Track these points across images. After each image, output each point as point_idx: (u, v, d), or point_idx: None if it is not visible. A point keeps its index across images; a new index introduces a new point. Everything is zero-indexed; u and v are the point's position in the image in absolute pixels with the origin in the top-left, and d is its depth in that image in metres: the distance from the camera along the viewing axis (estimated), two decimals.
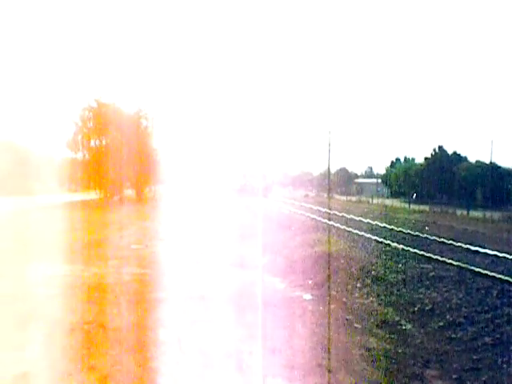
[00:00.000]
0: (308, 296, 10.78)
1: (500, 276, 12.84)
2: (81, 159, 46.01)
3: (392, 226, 26.80)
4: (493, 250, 17.81)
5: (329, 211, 36.67)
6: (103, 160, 42.99)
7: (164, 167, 43.64)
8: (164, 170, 43.14)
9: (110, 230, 20.91)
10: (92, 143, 46.02)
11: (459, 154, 70.41)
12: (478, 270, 13.64)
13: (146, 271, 12.47)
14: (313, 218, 29.84)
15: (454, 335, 8.49)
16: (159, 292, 10.33)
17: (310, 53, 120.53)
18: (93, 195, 45.83)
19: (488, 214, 41.96)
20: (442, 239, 21.06)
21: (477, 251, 17.87)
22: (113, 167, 41.40)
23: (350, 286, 11.57)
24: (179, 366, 6.65)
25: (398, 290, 11.32)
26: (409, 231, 24.34)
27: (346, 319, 9.10)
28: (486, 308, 9.93)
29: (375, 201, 66.99)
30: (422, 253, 16.59)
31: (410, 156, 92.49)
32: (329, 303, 10.15)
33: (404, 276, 12.76)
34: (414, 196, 68.95)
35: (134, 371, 6.36)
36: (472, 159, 69.50)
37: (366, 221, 30.17)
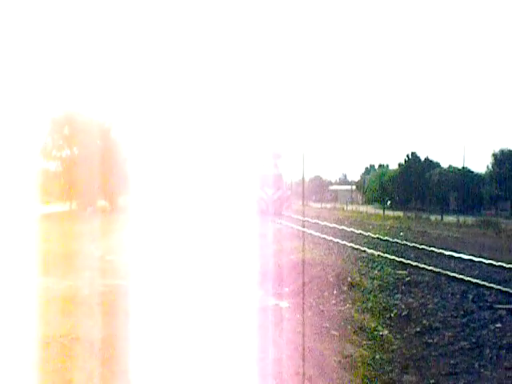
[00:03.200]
0: (285, 304, 10.75)
1: (475, 280, 12.93)
2: (53, 170, 45.52)
3: (367, 233, 26.91)
4: (467, 255, 17.96)
5: (302, 218, 36.74)
6: (75, 170, 42.56)
7: (141, 177, 43.20)
8: (140, 181, 42.69)
9: (83, 241, 20.69)
10: (64, 153, 45.58)
11: (432, 160, 71.00)
12: (453, 274, 13.74)
13: (120, 282, 12.34)
14: (287, 226, 29.88)
15: (430, 340, 8.50)
16: (135, 303, 10.23)
17: (278, 59, 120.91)
18: (66, 206, 45.37)
19: (461, 218, 42.37)
20: (416, 245, 21.19)
21: (451, 256, 18.00)
22: (85, 178, 40.98)
23: (326, 293, 11.56)
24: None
25: (374, 297, 11.33)
26: (383, 237, 24.46)
27: (323, 326, 9.08)
28: (462, 312, 9.98)
29: (350, 207, 67.33)
30: (397, 259, 16.67)
31: (384, 162, 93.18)
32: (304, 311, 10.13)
33: (380, 282, 12.79)
34: (389, 202, 69.42)
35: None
36: (445, 165, 70.14)
37: (340, 227, 30.28)
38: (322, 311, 10.15)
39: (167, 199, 40.38)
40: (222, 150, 45.57)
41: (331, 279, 12.81)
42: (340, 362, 7.40)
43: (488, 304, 10.71)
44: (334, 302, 10.96)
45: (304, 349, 7.83)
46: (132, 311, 9.56)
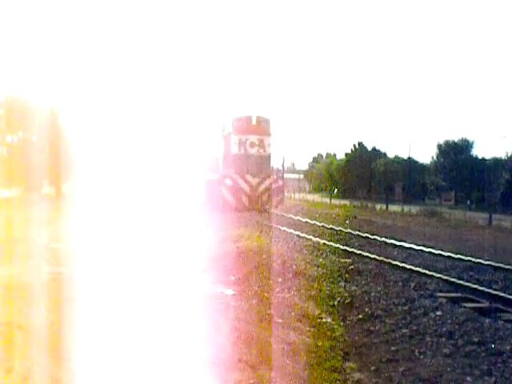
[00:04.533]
0: (230, 291, 10.75)
1: (417, 269, 13.18)
2: None
3: (313, 221, 27.14)
4: (410, 243, 18.29)
5: None
6: (21, 156, 41.64)
7: (88, 164, 42.28)
8: (87, 167, 41.79)
9: (27, 228, 20.25)
10: (9, 139, 44.55)
11: (378, 150, 71.96)
12: (395, 263, 13.97)
13: (65, 270, 12.14)
14: (236, 214, 29.83)
15: (372, 328, 8.62)
16: (78, 290, 10.08)
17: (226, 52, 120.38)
18: (11, 192, 44.32)
19: (406, 208, 43.10)
20: (360, 233, 21.48)
21: (395, 244, 18.30)
22: (31, 163, 40.07)
23: (271, 281, 11.60)
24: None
25: (318, 284, 11.42)
26: (329, 226, 24.70)
27: (267, 314, 9.10)
28: (404, 300, 10.14)
29: (297, 196, 67.72)
30: (341, 247, 16.86)
31: (331, 152, 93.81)
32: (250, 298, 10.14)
33: (324, 270, 12.90)
34: (336, 191, 70.09)
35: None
36: (391, 155, 71.15)
37: (287, 216, 30.44)
38: (267, 299, 10.18)
39: (115, 187, 39.54)
40: (174, 129, 40.96)
41: (276, 267, 12.85)
42: (283, 349, 7.43)
43: (429, 292, 10.91)
44: (278, 289, 11.00)
45: (248, 336, 7.84)
46: (75, 299, 9.41)
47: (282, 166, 36.55)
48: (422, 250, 16.91)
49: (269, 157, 33.12)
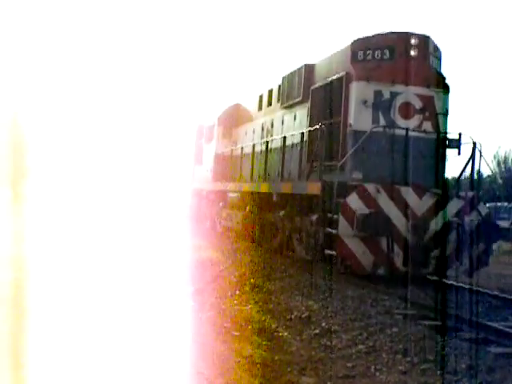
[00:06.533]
0: (186, 303, 10.65)
1: (374, 285, 13.20)
2: None
3: None
4: None
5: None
6: None
7: (49, 165, 40.99)
8: (48, 168, 40.54)
9: None
10: None
11: None
12: (354, 280, 13.98)
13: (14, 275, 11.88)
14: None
15: (328, 343, 8.62)
16: (26, 296, 9.87)
17: None
18: None
19: None
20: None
21: None
22: None
23: (229, 293, 11.54)
24: None
25: (275, 298, 11.42)
26: None
27: (224, 327, 9.05)
28: (360, 316, 10.17)
29: None
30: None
31: None
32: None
33: (282, 283, 12.91)
34: None
35: None
36: None
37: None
38: (224, 311, 10.12)
39: (79, 189, 37.89)
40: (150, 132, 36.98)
41: (234, 279, 12.81)
42: (239, 362, 7.38)
43: (385, 309, 10.96)
44: (236, 302, 10.95)
45: (205, 349, 7.76)
46: (22, 304, 9.20)
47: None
48: None
49: None
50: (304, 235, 15.76)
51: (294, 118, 17.70)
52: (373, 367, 7.50)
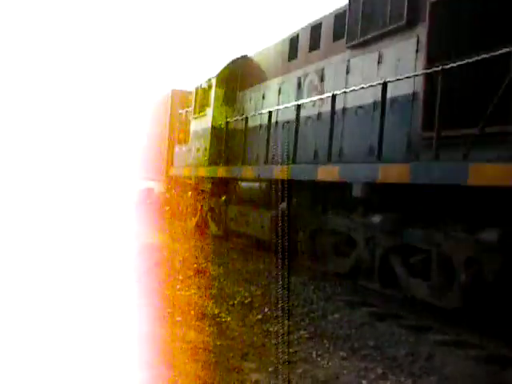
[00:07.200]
0: (128, 288, 10.55)
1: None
2: None
3: None
4: None
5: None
6: None
7: None
8: None
9: None
10: None
11: None
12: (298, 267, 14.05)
13: None
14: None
15: (271, 328, 8.66)
16: None
17: None
18: None
19: None
20: None
21: None
22: None
23: (172, 278, 11.48)
24: None
25: (218, 283, 11.41)
26: None
27: (167, 312, 9.00)
28: (303, 302, 10.26)
29: None
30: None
31: None
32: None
33: (225, 269, 12.92)
34: None
35: None
36: None
37: None
38: (167, 296, 10.06)
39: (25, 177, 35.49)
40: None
41: (177, 265, 12.76)
42: (181, 348, 7.35)
43: (327, 295, 11.07)
44: (179, 287, 10.90)
45: (147, 335, 7.70)
46: None
47: None
48: None
49: None
50: None
51: (379, 61, 11.09)
52: (314, 353, 7.59)
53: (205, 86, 19.48)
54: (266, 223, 13.64)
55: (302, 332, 8.50)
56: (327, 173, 10.95)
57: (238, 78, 18.53)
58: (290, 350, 7.66)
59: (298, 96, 13.97)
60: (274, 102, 15.29)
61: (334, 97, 11.34)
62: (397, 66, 10.50)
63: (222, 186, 17.05)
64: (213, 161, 17.90)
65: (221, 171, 16.38)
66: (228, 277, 12.13)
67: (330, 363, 7.19)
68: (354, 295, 11.22)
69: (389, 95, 9.84)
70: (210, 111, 18.75)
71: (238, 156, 15.91)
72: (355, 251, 10.85)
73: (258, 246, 15.48)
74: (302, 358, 7.39)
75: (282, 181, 12.11)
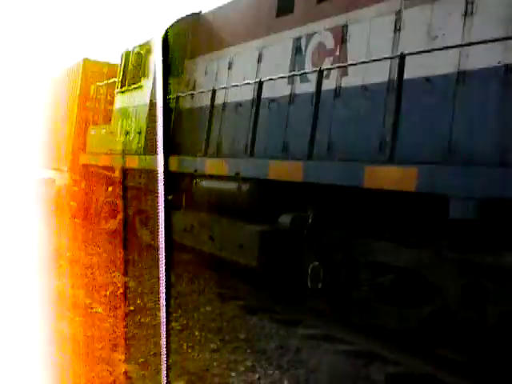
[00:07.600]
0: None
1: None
2: None
3: None
4: None
5: None
6: None
7: None
8: None
9: None
10: None
11: None
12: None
13: None
14: None
15: (142, 320, 8.67)
16: None
17: None
18: None
19: None
20: None
21: None
22: None
23: (44, 267, 11.18)
24: None
25: (91, 273, 11.25)
26: None
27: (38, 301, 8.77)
28: (176, 295, 10.29)
29: None
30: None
31: None
32: None
33: (98, 258, 12.73)
34: None
35: None
36: None
37: None
38: (38, 285, 9.79)
39: None
40: None
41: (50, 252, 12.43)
42: (50, 337, 7.21)
43: (200, 288, 11.16)
44: (51, 275, 10.64)
45: (13, 325, 7.48)
46: None
47: None
48: None
49: None
50: None
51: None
52: (185, 344, 7.68)
53: (139, 50, 14.95)
54: (249, 243, 9.66)
55: (173, 324, 8.57)
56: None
57: (188, 42, 14.42)
58: (161, 342, 7.71)
59: (297, 65, 10.07)
60: (250, 73, 11.30)
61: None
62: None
63: (165, 183, 12.65)
64: (151, 148, 13.27)
65: (172, 163, 12.15)
66: (101, 266, 11.93)
67: (200, 355, 7.32)
68: (227, 289, 11.37)
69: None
70: (147, 82, 14.36)
71: (196, 144, 12.12)
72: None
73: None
74: (173, 349, 7.45)
75: (287, 183, 8.70)
